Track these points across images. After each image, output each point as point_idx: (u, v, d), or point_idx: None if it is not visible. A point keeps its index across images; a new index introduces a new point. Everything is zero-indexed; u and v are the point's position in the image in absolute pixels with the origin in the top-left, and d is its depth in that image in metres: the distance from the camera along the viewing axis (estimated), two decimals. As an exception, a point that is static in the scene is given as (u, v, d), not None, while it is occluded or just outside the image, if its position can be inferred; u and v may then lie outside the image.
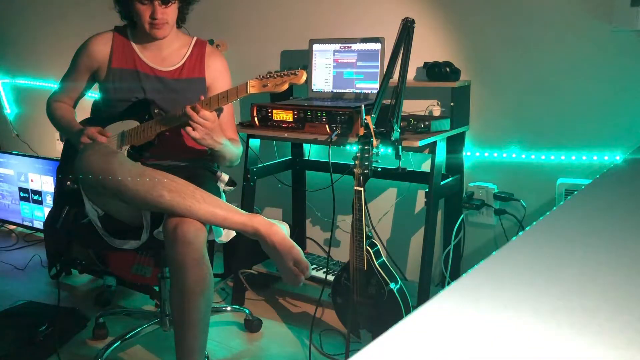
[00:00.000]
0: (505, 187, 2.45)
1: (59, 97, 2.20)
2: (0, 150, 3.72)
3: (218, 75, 2.16)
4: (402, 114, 2.05)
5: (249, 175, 2.49)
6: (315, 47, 2.52)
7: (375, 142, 1.88)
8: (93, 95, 2.35)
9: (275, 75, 1.80)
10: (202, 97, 1.89)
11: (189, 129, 1.86)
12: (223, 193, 2.07)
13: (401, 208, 2.72)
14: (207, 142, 1.90)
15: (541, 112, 2.34)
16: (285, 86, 1.79)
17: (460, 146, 2.44)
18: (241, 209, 1.84)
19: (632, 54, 2.14)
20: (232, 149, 2.05)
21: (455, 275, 2.48)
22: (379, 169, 1.91)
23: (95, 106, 2.33)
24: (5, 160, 3.53)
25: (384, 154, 1.97)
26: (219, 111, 1.93)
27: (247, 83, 1.82)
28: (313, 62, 2.52)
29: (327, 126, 2.20)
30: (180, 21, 2.14)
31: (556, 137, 2.32)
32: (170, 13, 2.00)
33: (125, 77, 2.07)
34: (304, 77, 1.78)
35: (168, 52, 2.12)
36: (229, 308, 2.55)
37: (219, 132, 1.93)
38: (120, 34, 2.12)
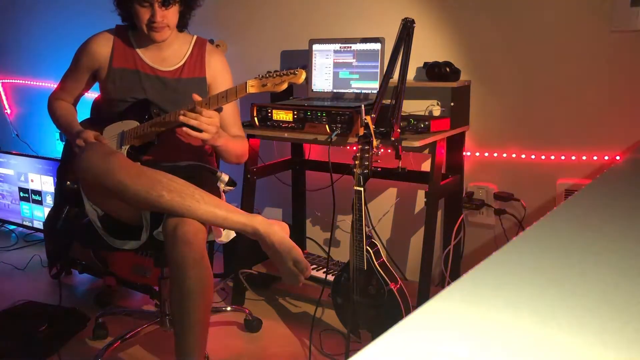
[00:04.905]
0: (505, 187, 2.45)
1: (59, 95, 2.20)
2: (0, 150, 3.71)
3: (219, 74, 2.16)
4: (402, 114, 2.05)
5: (249, 175, 2.49)
6: (315, 47, 2.52)
7: (375, 142, 1.88)
8: (92, 97, 2.35)
9: (275, 75, 1.80)
10: (196, 96, 1.88)
11: (195, 133, 1.85)
12: (223, 193, 2.07)
13: (401, 208, 2.72)
14: (212, 141, 1.90)
15: (541, 112, 2.34)
16: (285, 86, 1.79)
17: (460, 146, 2.44)
18: (241, 209, 1.84)
19: (632, 54, 2.14)
20: (236, 145, 2.05)
21: (455, 275, 2.47)
22: (379, 169, 1.90)
23: (95, 106, 2.33)
24: (5, 160, 3.53)
25: (383, 154, 1.97)
26: (218, 110, 1.93)
27: (246, 83, 1.82)
28: (313, 62, 2.52)
29: (327, 126, 2.20)
30: (182, 27, 2.13)
31: (556, 137, 2.32)
32: (170, 16, 1.98)
33: (126, 77, 2.07)
34: (303, 77, 1.78)
35: (169, 52, 2.11)
36: (229, 308, 2.55)
37: (219, 130, 1.93)
38: (121, 33, 2.12)
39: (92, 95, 2.32)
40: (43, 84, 3.90)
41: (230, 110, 2.13)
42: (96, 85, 2.19)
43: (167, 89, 2.08)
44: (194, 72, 2.12)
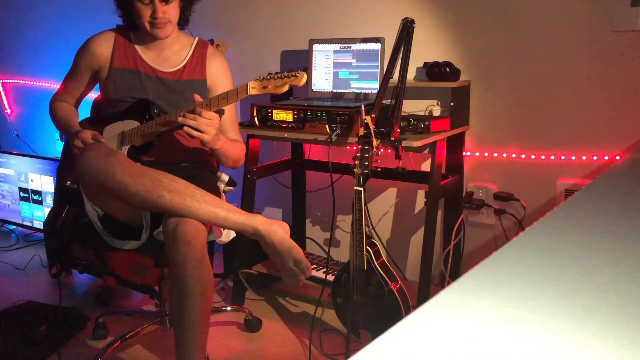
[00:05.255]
0: (505, 187, 2.45)
1: (61, 96, 2.20)
2: (0, 150, 3.72)
3: (219, 76, 2.15)
4: (402, 114, 2.05)
5: (249, 175, 2.49)
6: (315, 47, 2.52)
7: (375, 142, 1.88)
8: (92, 97, 2.35)
9: (276, 77, 1.80)
10: (197, 97, 1.88)
11: (196, 133, 1.84)
12: (223, 193, 2.07)
13: (401, 208, 2.72)
14: (212, 143, 1.90)
15: (541, 112, 2.34)
16: (286, 88, 1.79)
17: (460, 146, 2.44)
18: (241, 209, 1.84)
19: (632, 54, 2.14)
20: (234, 150, 2.05)
21: (455, 275, 2.48)
22: (379, 169, 1.90)
23: (96, 106, 2.33)
24: (5, 160, 3.53)
25: (384, 154, 1.97)
26: (220, 113, 1.93)
27: (247, 84, 1.82)
28: (313, 62, 2.52)
29: (327, 126, 2.20)
30: (183, 23, 2.13)
31: (556, 137, 2.32)
32: (171, 12, 1.99)
33: (126, 77, 2.07)
34: (304, 79, 1.78)
35: (169, 53, 2.11)
36: (229, 308, 2.55)
37: (218, 132, 1.93)
38: (122, 33, 2.11)
39: (92, 95, 2.32)
40: (43, 84, 3.90)
41: (229, 115, 2.12)
42: (97, 85, 2.19)
43: (167, 90, 2.08)
44: (195, 73, 2.11)
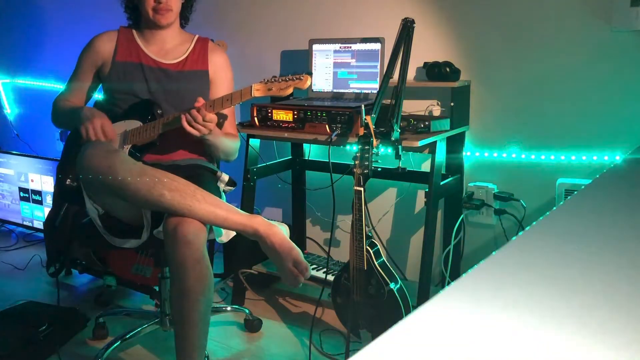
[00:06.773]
0: (505, 187, 2.45)
1: (64, 96, 2.20)
2: (0, 150, 3.72)
3: (220, 70, 2.19)
4: (402, 114, 2.05)
5: (249, 175, 2.49)
6: (315, 47, 2.52)
7: (375, 142, 1.88)
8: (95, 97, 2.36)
9: (280, 80, 1.82)
10: (201, 99, 1.90)
11: (189, 128, 1.88)
12: (223, 193, 2.08)
13: (401, 208, 2.72)
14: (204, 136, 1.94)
15: (541, 112, 2.34)
16: (290, 90, 1.81)
17: (460, 146, 2.44)
18: (241, 209, 1.84)
19: (632, 54, 2.14)
20: (226, 141, 2.07)
21: (455, 275, 2.47)
22: (379, 169, 1.91)
23: (97, 106, 2.33)
24: (5, 160, 3.53)
25: (384, 154, 1.97)
26: (221, 118, 1.95)
27: (251, 87, 1.84)
28: (313, 62, 2.52)
29: (327, 126, 2.20)
30: (184, 21, 2.19)
31: (556, 137, 2.32)
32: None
33: (129, 70, 2.09)
34: (309, 82, 1.80)
35: (171, 46, 2.15)
36: (229, 308, 2.55)
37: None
38: (124, 31, 2.16)
39: (94, 96, 2.32)
40: (43, 84, 3.90)
41: (227, 109, 2.14)
42: (100, 87, 2.20)
43: (169, 80, 2.10)
44: (197, 64, 2.15)
